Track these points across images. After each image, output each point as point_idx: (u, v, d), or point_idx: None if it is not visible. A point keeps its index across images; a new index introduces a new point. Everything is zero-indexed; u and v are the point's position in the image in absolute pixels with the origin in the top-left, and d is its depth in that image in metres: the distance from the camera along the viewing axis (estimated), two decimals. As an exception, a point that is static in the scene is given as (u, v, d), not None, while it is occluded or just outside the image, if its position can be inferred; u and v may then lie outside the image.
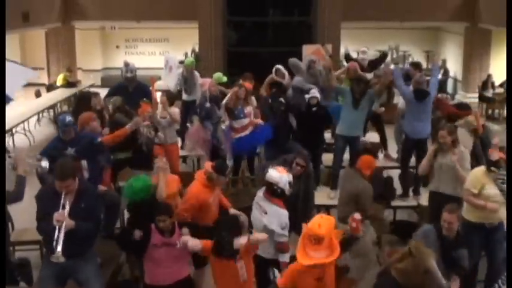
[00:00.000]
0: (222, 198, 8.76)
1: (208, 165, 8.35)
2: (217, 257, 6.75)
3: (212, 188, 8.27)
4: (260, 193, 7.81)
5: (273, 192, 7.59)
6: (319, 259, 5.83)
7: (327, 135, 13.29)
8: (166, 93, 12.77)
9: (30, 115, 18.17)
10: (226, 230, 6.72)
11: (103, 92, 13.21)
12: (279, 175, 7.57)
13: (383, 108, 13.76)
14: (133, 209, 8.25)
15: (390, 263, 5.89)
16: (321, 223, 5.91)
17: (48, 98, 21.05)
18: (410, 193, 11.25)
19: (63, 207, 6.70)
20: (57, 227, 6.55)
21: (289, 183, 7.60)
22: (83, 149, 8.64)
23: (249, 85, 12.93)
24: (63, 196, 6.74)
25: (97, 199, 7.40)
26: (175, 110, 12.29)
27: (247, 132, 11.97)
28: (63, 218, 6.59)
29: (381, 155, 13.21)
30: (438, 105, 11.74)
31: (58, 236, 6.53)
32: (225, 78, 13.77)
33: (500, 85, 22.09)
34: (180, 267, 7.35)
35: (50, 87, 22.74)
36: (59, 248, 6.50)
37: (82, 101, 12.61)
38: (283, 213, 7.54)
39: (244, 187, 11.91)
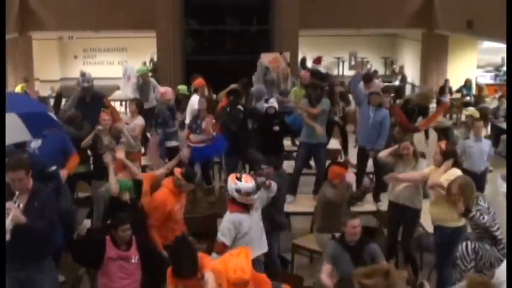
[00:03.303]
0: None
1: (177, 171, 8.44)
2: (180, 279, 6.67)
3: (179, 194, 8.41)
4: None
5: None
6: None
7: (287, 143, 13.33)
8: (136, 101, 12.60)
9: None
10: (180, 253, 6.67)
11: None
12: (230, 181, 7.63)
13: (349, 108, 13.95)
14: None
15: (355, 274, 5.85)
16: (243, 267, 5.91)
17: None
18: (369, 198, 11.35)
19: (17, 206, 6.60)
20: (6, 216, 6.38)
21: (237, 190, 7.52)
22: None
23: (200, 81, 13.52)
24: (16, 195, 6.61)
25: (50, 199, 7.11)
26: (138, 123, 12.08)
27: (202, 144, 11.89)
28: (12, 207, 6.44)
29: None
30: (392, 113, 11.89)
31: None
32: (186, 91, 13.83)
33: (457, 90, 22.35)
34: (132, 282, 7.18)
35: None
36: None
37: None
38: (226, 218, 7.64)
39: (204, 196, 11.92)
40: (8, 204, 6.44)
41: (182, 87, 14.61)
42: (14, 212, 6.41)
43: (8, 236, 6.33)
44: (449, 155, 8.51)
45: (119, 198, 8.24)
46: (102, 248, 7.04)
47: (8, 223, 6.33)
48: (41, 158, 8.83)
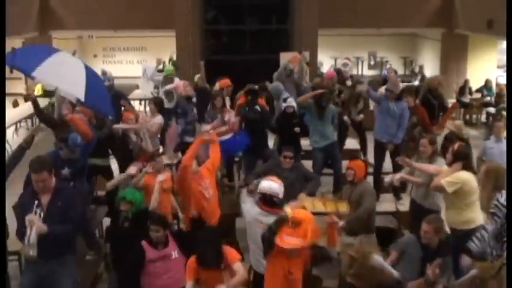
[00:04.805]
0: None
1: None
2: (203, 268, 6.67)
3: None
4: (255, 209, 7.41)
5: (272, 203, 7.27)
6: (294, 244, 6.37)
7: (306, 143, 13.30)
8: (155, 100, 12.67)
9: (8, 125, 18.02)
10: (206, 243, 6.68)
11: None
12: (277, 185, 7.31)
13: (362, 115, 13.90)
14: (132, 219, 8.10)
15: (344, 272, 6.08)
16: (300, 211, 6.68)
17: (26, 107, 20.86)
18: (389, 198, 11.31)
19: (38, 206, 6.69)
20: (28, 228, 6.42)
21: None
22: (75, 172, 8.89)
23: (226, 81, 13.65)
24: (36, 204, 6.69)
25: (74, 198, 7.20)
26: (157, 121, 12.10)
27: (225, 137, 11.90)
28: (35, 220, 6.49)
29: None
30: (415, 112, 11.86)
31: (30, 234, 6.39)
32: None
33: (477, 90, 22.21)
34: (178, 278, 7.12)
35: (28, 97, 22.52)
36: (31, 240, 6.37)
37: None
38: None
39: (223, 194, 11.88)
40: (30, 217, 6.51)
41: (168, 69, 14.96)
42: (37, 224, 6.47)
43: (34, 252, 6.39)
44: (460, 157, 8.39)
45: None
46: (141, 255, 7.06)
47: (33, 237, 6.38)
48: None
